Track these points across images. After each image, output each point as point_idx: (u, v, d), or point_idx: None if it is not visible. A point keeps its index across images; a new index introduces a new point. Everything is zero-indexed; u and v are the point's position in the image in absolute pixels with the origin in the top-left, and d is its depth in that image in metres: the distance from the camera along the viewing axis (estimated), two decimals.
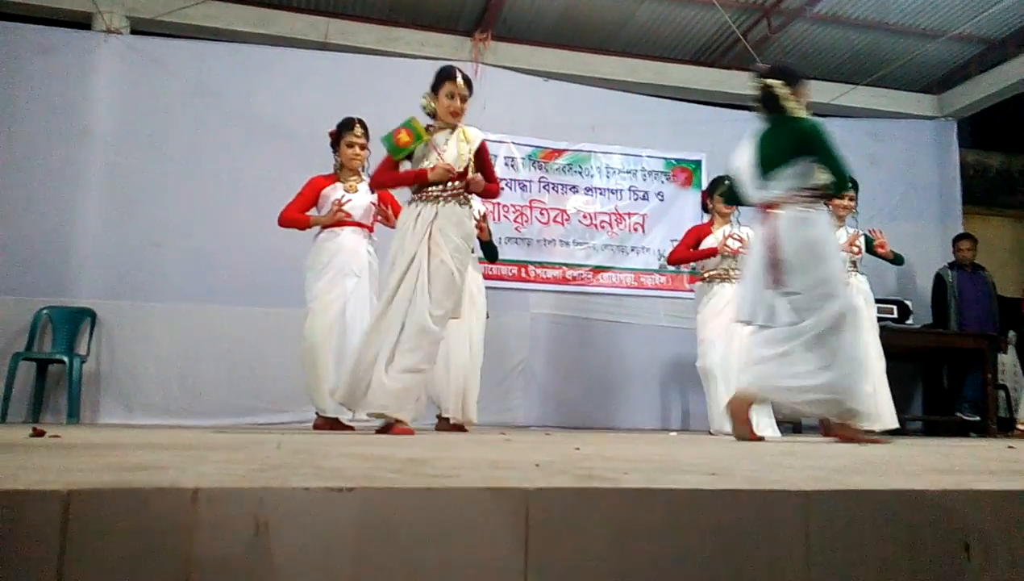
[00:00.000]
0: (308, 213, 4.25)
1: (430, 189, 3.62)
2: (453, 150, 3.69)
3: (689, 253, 5.12)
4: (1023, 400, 6.45)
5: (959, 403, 6.69)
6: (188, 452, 1.63)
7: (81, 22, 5.96)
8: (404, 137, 3.66)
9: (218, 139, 5.65)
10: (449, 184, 3.62)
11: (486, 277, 4.97)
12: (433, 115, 3.77)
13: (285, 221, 4.22)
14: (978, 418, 6.49)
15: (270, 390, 5.28)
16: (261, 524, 0.88)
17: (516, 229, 6.21)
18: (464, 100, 3.75)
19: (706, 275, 5.07)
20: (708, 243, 5.03)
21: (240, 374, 5.36)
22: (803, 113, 3.65)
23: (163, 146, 5.58)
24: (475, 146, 3.76)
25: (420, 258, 3.52)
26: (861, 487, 0.99)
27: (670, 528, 0.93)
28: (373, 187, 3.95)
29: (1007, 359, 6.76)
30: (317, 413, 4.14)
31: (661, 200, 6.63)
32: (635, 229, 6.47)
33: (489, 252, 4.80)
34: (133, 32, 6.03)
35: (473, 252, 4.70)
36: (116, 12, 5.91)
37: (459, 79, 3.72)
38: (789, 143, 3.57)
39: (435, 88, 3.76)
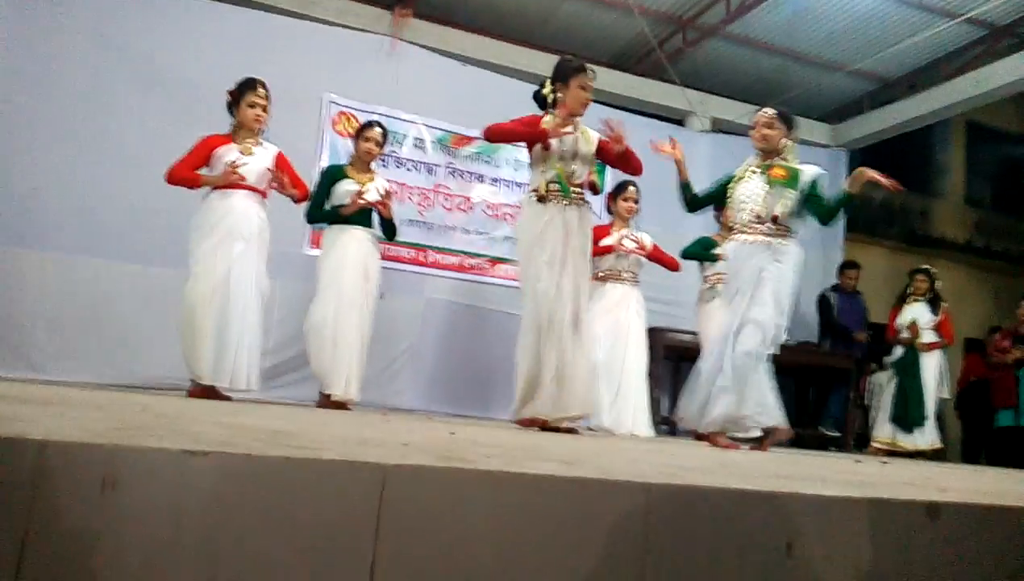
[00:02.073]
0: (199, 172, 4.11)
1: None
2: (584, 148, 3.91)
3: None
4: (878, 420, 6.92)
5: (823, 419, 7.11)
6: (45, 407, 1.57)
7: None
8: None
9: (114, 87, 5.36)
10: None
11: (383, 257, 4.93)
12: (553, 104, 3.88)
13: (174, 178, 4.06)
14: (838, 434, 6.92)
15: (145, 351, 5.07)
16: (109, 482, 0.87)
17: (419, 212, 6.18)
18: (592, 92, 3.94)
19: (599, 274, 5.20)
20: (605, 242, 5.17)
21: (114, 332, 5.13)
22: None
23: (53, 88, 5.24)
24: (595, 147, 3.96)
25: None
26: (699, 484, 1.06)
27: (518, 509, 0.97)
28: (489, 136, 3.94)
29: (883, 377, 7.21)
30: (192, 380, 4.03)
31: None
32: None
33: (388, 230, 4.77)
34: None
35: (372, 228, 4.68)
36: None
37: (590, 72, 3.90)
38: None
39: (564, 79, 3.86)
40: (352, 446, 1.25)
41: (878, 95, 7.97)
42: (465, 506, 0.95)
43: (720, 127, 7.89)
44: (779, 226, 3.71)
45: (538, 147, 3.85)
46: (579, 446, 2.06)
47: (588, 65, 3.95)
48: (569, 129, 3.86)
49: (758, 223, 3.71)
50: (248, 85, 4.21)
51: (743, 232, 3.73)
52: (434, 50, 6.53)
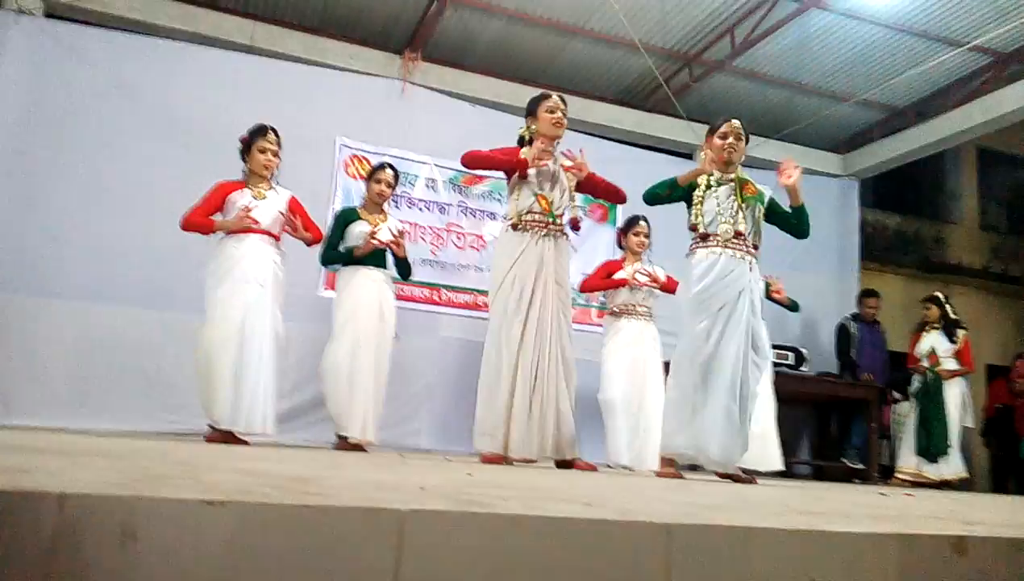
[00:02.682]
0: (213, 217, 4.16)
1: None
2: (563, 177, 3.90)
3: (600, 282, 5.25)
4: (902, 450, 6.82)
5: (846, 450, 7.01)
6: (66, 457, 1.57)
7: None
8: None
9: (130, 135, 5.47)
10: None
11: (398, 297, 4.94)
12: (532, 139, 3.89)
13: (188, 224, 4.11)
14: (862, 465, 6.82)
15: (164, 396, 5.10)
16: (128, 533, 0.87)
17: (432, 252, 6.22)
18: (564, 113, 3.93)
19: (614, 309, 5.20)
20: (618, 276, 5.17)
21: (133, 378, 5.16)
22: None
23: (71, 136, 5.37)
24: (575, 179, 3.94)
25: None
26: (721, 523, 1.04)
27: (538, 554, 0.96)
28: (467, 162, 3.98)
29: (906, 407, 7.13)
30: (210, 425, 4.03)
31: (577, 234, 6.74)
32: None
33: (403, 269, 4.80)
34: (48, 16, 5.80)
35: (386, 268, 4.71)
36: None
37: (555, 96, 3.93)
38: None
39: (533, 112, 3.93)
40: (369, 491, 1.25)
41: (887, 124, 7.98)
42: (484, 551, 0.94)
43: None
44: (752, 244, 3.63)
45: (515, 176, 3.86)
46: (598, 485, 2.04)
47: (553, 92, 4.00)
48: (548, 159, 3.86)
49: (738, 239, 3.58)
50: (259, 131, 4.28)
51: (727, 247, 3.56)
52: (443, 92, 6.62)
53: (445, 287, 6.20)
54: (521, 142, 3.95)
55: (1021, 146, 10.54)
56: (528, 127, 3.93)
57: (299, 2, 6.49)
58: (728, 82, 7.42)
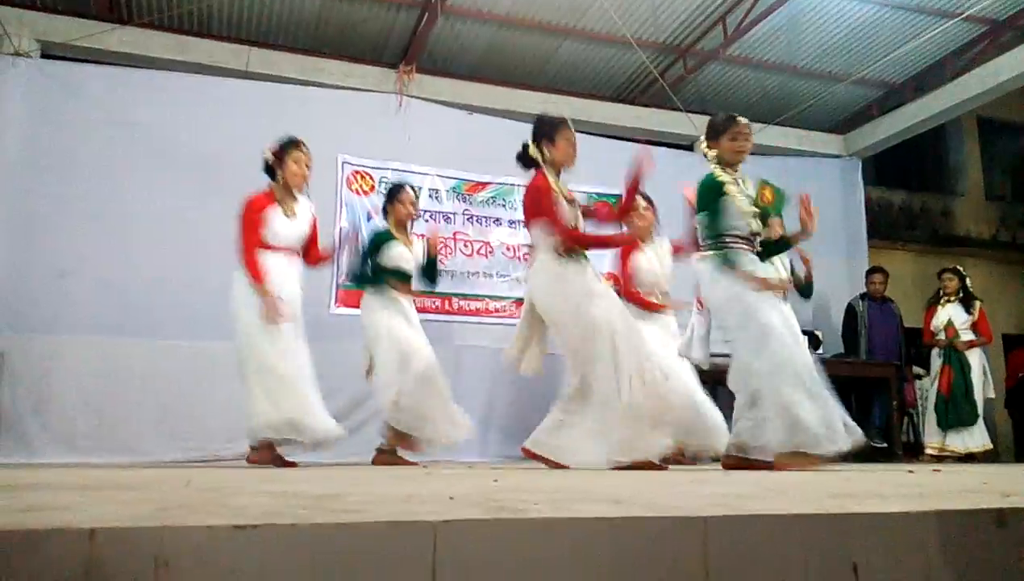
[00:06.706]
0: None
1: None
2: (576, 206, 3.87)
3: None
4: (928, 425, 6.80)
5: (868, 430, 6.96)
6: (90, 492, 1.57)
7: None
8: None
9: (132, 167, 5.50)
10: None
11: None
12: (539, 163, 3.82)
13: (250, 263, 3.94)
14: (885, 444, 6.77)
15: (182, 425, 5.11)
16: (161, 564, 0.86)
17: (440, 261, 6.21)
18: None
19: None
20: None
21: (150, 409, 5.17)
22: (712, 166, 3.76)
23: (74, 173, 5.39)
24: None
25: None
26: (757, 512, 1.03)
27: (574, 556, 0.95)
28: (581, 244, 3.77)
29: (927, 382, 7.10)
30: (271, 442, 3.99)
31: None
32: None
33: (431, 273, 4.88)
34: (44, 56, 5.84)
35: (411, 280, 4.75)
36: (25, 35, 5.72)
37: (570, 124, 3.84)
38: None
39: (550, 137, 3.80)
40: (399, 504, 1.24)
41: (886, 100, 7.94)
42: (519, 557, 0.94)
43: None
44: None
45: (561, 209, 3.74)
46: (625, 482, 2.02)
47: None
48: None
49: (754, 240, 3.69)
50: (292, 143, 4.12)
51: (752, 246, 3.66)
52: (440, 102, 6.62)
53: (456, 296, 6.20)
54: (532, 161, 3.86)
55: (1022, 113, 10.47)
56: (541, 149, 3.81)
57: (292, 24, 6.51)
58: (723, 71, 7.40)
